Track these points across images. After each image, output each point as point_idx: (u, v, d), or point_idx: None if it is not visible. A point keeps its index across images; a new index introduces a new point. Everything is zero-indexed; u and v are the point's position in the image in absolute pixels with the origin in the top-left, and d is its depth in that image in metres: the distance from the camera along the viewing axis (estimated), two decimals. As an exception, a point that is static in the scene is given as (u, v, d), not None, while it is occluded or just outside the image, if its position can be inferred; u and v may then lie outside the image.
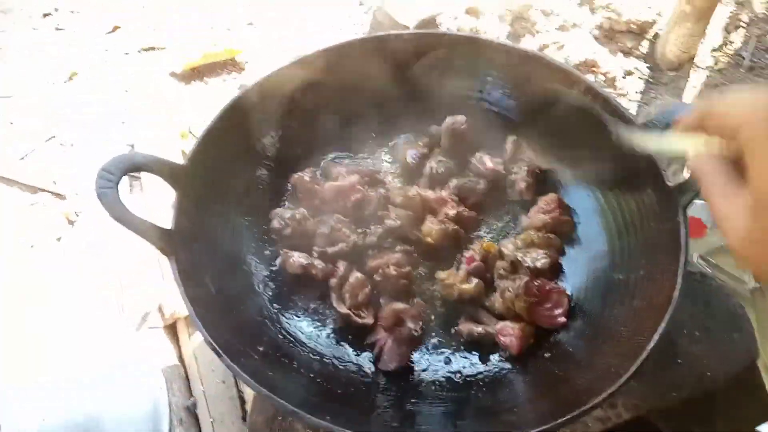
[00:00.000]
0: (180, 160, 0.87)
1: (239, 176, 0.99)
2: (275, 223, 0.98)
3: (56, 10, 1.97)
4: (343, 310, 0.89)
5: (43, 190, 1.52)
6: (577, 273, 0.97)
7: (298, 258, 0.94)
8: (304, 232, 0.97)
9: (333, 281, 0.92)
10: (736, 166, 0.48)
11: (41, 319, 1.23)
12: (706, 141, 0.53)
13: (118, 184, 0.77)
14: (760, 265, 0.43)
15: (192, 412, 1.12)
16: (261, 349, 0.83)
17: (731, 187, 0.46)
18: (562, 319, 0.90)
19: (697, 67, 1.67)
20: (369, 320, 0.90)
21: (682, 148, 0.57)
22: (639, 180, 0.92)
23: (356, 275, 0.93)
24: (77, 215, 1.46)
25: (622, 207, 0.96)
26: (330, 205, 1.00)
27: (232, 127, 0.95)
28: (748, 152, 0.44)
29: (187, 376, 1.17)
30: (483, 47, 1.06)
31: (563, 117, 0.92)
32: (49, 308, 1.25)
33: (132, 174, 1.13)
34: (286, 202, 1.05)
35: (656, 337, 0.74)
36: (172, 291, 1.00)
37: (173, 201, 0.84)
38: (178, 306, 1.20)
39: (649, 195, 0.90)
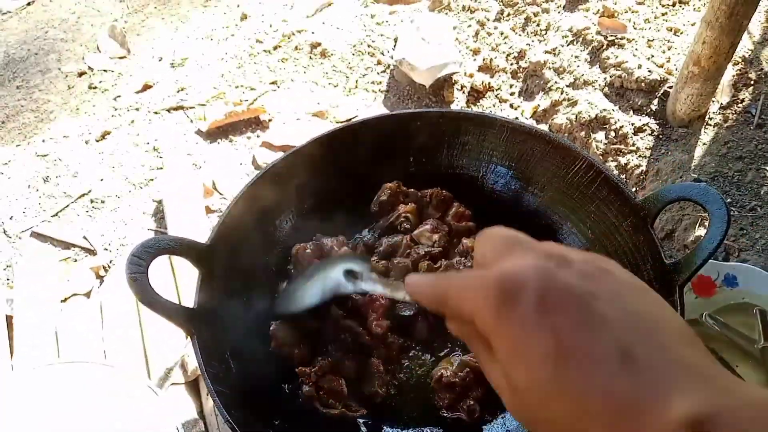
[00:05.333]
0: (204, 218, 0.92)
1: (259, 254, 1.05)
2: None
3: (90, 69, 2.07)
4: (335, 411, 0.91)
5: (74, 246, 1.60)
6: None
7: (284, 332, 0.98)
8: None
9: (306, 390, 0.93)
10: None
11: (69, 373, 1.29)
12: None
13: (147, 269, 0.82)
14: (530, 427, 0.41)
15: (211, 468, 1.16)
16: (277, 422, 0.87)
17: (488, 357, 0.43)
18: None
19: (707, 124, 1.70)
20: (363, 410, 0.93)
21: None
22: (638, 257, 0.96)
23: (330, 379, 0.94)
24: (106, 270, 1.53)
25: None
26: None
27: (252, 206, 1.00)
28: (490, 339, 0.41)
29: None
30: (484, 124, 1.12)
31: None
32: (76, 362, 1.31)
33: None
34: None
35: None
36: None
37: (196, 280, 0.90)
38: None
39: (647, 272, 0.94)
